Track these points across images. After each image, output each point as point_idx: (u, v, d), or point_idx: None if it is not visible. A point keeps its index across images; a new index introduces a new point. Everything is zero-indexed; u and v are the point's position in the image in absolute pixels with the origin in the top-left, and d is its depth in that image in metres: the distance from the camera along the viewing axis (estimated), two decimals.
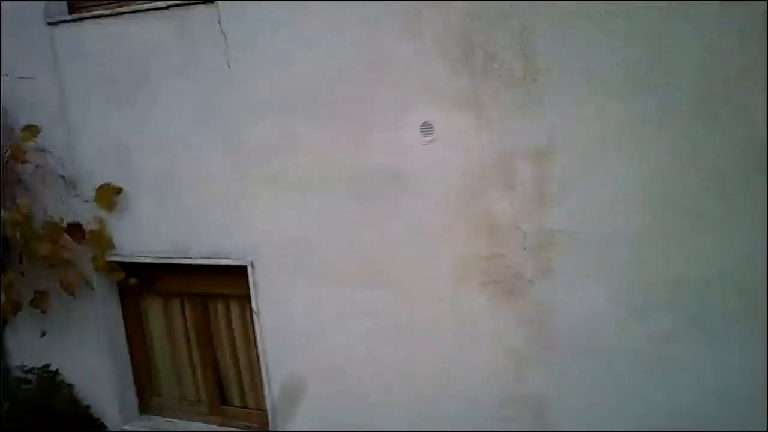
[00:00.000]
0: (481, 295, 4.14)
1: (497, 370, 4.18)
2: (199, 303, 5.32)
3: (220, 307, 5.26)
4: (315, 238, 4.55)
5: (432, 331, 4.32)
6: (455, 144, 4.03)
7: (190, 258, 4.99)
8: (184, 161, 4.85)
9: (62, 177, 5.18)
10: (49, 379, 5.61)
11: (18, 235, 4.96)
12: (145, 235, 5.10)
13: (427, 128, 4.07)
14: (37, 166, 5.17)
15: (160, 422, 5.54)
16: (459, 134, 4.01)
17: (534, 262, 3.97)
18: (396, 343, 4.44)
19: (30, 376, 5.62)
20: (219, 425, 5.36)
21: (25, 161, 5.06)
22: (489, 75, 3.88)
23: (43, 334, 5.48)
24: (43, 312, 5.28)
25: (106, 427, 5.60)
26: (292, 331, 4.76)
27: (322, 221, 4.51)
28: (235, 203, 4.75)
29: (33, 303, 5.23)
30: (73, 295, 5.20)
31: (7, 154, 5.07)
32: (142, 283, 5.29)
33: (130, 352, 5.60)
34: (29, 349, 5.72)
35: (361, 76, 4.19)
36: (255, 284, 4.80)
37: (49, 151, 5.13)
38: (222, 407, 5.42)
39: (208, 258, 4.92)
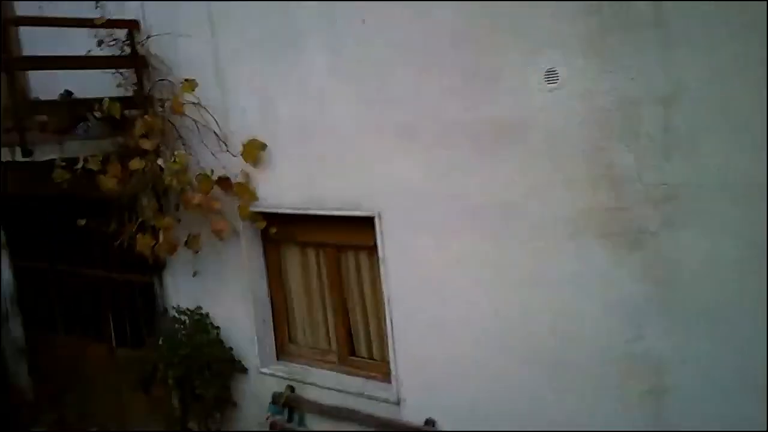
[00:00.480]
0: (601, 248, 4.04)
1: (616, 326, 4.06)
2: (332, 253, 5.58)
3: (351, 257, 5.50)
4: (439, 189, 4.64)
5: (551, 284, 4.27)
6: (579, 91, 3.95)
7: (324, 209, 5.27)
8: (322, 117, 5.12)
9: (215, 133, 5.66)
10: (200, 320, 6.15)
11: (175, 184, 5.47)
12: (285, 187, 5.44)
13: (551, 75, 4.04)
14: (195, 122, 5.68)
15: (295, 368, 5.87)
16: (584, 81, 3.94)
17: (657, 216, 3.81)
18: (516, 294, 4.44)
19: (183, 317, 6.19)
20: (347, 374, 5.60)
21: (183, 114, 5.58)
22: (617, 20, 3.78)
23: (195, 273, 6.03)
24: (195, 252, 5.79)
25: (247, 368, 6.05)
26: (416, 280, 4.89)
27: (445, 173, 4.59)
28: (366, 156, 4.95)
29: (187, 243, 5.75)
30: (221, 239, 5.67)
31: (167, 105, 5.62)
32: (282, 233, 5.64)
33: (270, 300, 5.99)
34: (183, 292, 6.30)
35: (488, 26, 4.24)
36: (381, 234, 4.98)
37: (205, 107, 5.62)
38: (350, 357, 5.67)
39: (340, 209, 5.17)
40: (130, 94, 5.91)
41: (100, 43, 5.78)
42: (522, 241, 4.35)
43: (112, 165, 5.42)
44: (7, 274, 7.98)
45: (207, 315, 6.15)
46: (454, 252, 4.68)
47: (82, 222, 5.65)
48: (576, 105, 3.99)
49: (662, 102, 3.72)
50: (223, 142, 5.62)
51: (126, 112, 5.72)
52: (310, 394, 5.64)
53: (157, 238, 5.67)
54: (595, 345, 4.17)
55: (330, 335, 5.77)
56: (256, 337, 5.92)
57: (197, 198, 5.55)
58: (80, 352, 7.44)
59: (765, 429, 3.58)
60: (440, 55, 4.47)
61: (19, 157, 5.40)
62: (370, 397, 5.28)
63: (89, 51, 5.74)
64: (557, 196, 4.16)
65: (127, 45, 5.87)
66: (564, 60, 3.98)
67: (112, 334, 7.12)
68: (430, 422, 4.97)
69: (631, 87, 3.80)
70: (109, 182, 5.38)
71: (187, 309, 6.18)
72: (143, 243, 5.65)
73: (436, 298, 4.82)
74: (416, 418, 5.04)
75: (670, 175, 3.75)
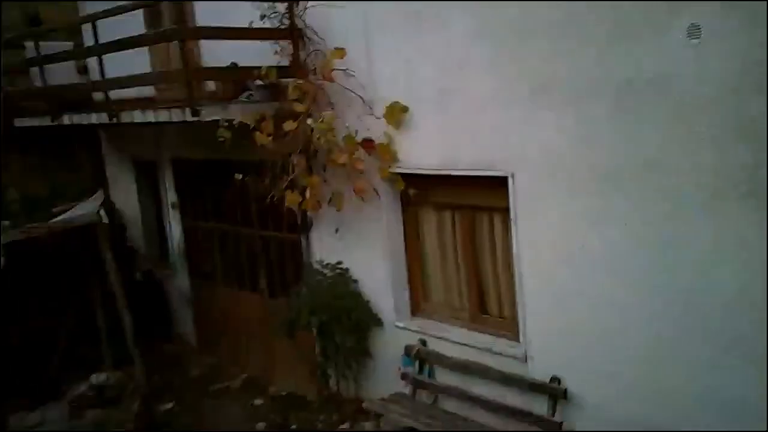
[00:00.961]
0: (742, 205, 3.95)
1: (754, 287, 3.96)
2: (467, 215, 5.77)
3: (485, 219, 5.66)
4: (575, 149, 4.69)
5: (688, 241, 4.23)
6: (723, 47, 3.87)
7: (459, 169, 5.46)
8: (460, 81, 5.30)
9: (360, 97, 6.00)
10: (340, 274, 6.55)
11: (323, 142, 5.87)
12: (423, 149, 5.68)
13: (694, 30, 3.97)
14: (343, 87, 6.06)
15: (428, 324, 6.13)
16: (727, 36, 3.85)
17: None
18: (652, 255, 4.42)
19: (326, 270, 6.63)
20: (477, 332, 5.79)
21: (332, 80, 5.97)
22: None
23: (337, 230, 6.45)
24: (338, 210, 6.19)
25: (382, 322, 6.38)
26: (547, 241, 4.97)
27: (582, 133, 4.63)
28: (502, 118, 5.07)
29: (330, 201, 6.16)
30: (362, 199, 6.03)
31: (319, 72, 6.03)
32: (419, 194, 5.88)
33: (407, 258, 6.28)
34: (326, 248, 6.73)
35: None
36: (514, 194, 5.10)
37: (352, 73, 5.97)
38: (481, 315, 5.84)
39: (475, 169, 5.34)
40: (286, 63, 6.38)
41: (262, 17, 6.28)
42: (660, 201, 4.32)
43: (266, 122, 5.90)
44: (178, 232, 8.85)
45: (347, 270, 6.54)
46: (587, 212, 4.72)
47: (239, 177, 6.20)
48: (719, 60, 3.91)
49: None
50: (368, 105, 5.95)
51: (282, 80, 6.21)
52: (441, 348, 5.87)
53: (304, 196, 6.11)
54: (731, 303, 4.08)
55: (462, 294, 5.96)
56: (392, 293, 6.23)
57: (342, 158, 5.92)
58: (235, 302, 8.14)
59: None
60: (578, 16, 4.51)
61: (189, 117, 6.02)
62: (498, 354, 5.44)
63: (251, 23, 6.26)
64: (697, 153, 4.10)
65: (287, 17, 6.33)
66: (707, 14, 3.90)
67: (264, 285, 7.72)
68: (555, 379, 5.05)
69: None
70: (263, 138, 5.86)
71: (329, 263, 6.60)
72: (291, 199, 6.11)
73: (567, 259, 4.88)
74: (542, 376, 5.13)
75: None
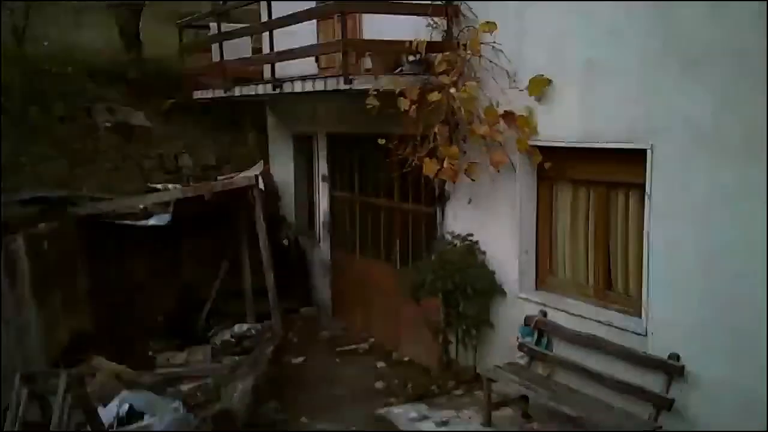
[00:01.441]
0: None
1: None
2: (602, 192, 5.77)
3: (620, 196, 5.63)
4: (718, 121, 4.62)
5: None
6: None
7: (597, 142, 5.50)
8: (606, 54, 5.36)
9: (506, 71, 6.19)
10: (469, 245, 6.74)
11: (463, 112, 6.11)
12: (563, 121, 5.76)
13: None
14: (489, 61, 6.28)
15: (551, 297, 6.17)
16: None
17: None
18: None
19: (456, 241, 6.84)
20: (599, 306, 5.76)
21: (479, 54, 6.20)
22: None
23: (470, 201, 6.65)
24: (472, 180, 6.39)
25: (506, 293, 6.49)
26: (680, 217, 4.92)
27: (727, 105, 4.56)
28: (646, 91, 5.08)
29: (467, 171, 6.37)
30: (497, 171, 6.19)
31: (467, 46, 6.29)
32: (555, 168, 5.97)
33: (537, 232, 6.35)
34: (459, 221, 6.94)
35: None
36: (651, 167, 5.07)
37: (499, 46, 6.18)
38: (606, 291, 5.80)
39: (615, 142, 5.35)
40: (438, 39, 6.70)
41: None
42: None
43: (410, 89, 6.22)
44: (326, 204, 9.42)
45: (476, 242, 6.72)
46: (725, 186, 4.63)
47: (382, 141, 6.57)
48: None
49: None
50: (512, 78, 6.12)
51: (432, 54, 6.53)
52: (561, 321, 5.89)
53: (442, 165, 6.36)
54: None
55: (588, 270, 5.96)
56: (518, 266, 6.33)
57: (483, 129, 6.12)
58: (370, 271, 8.54)
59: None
60: None
61: (341, 85, 6.48)
62: (617, 328, 5.40)
63: None
64: None
65: None
66: None
67: (397, 256, 8.05)
68: (674, 356, 4.94)
69: None
70: (405, 103, 6.18)
71: (459, 234, 6.81)
72: (429, 167, 6.39)
73: (699, 235, 4.79)
74: (661, 352, 5.04)
75: None
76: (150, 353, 8.39)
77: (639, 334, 5.22)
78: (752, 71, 4.38)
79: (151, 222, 8.34)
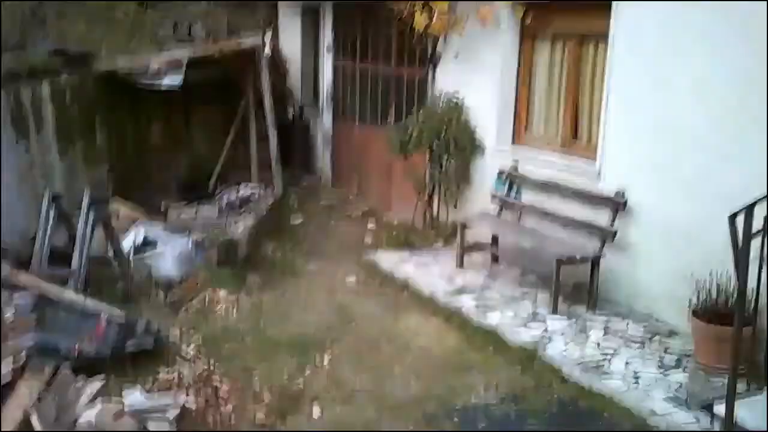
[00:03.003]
0: None
1: None
2: (575, 46, 6.08)
3: (590, 49, 5.96)
4: None
5: None
6: None
7: None
8: None
9: None
10: (456, 103, 7.11)
11: None
12: None
13: None
14: None
15: (524, 150, 6.59)
16: None
17: None
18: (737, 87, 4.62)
19: (443, 98, 7.21)
20: (564, 154, 6.18)
21: None
22: None
23: (456, 55, 7.02)
24: (459, 35, 6.75)
25: (485, 149, 6.92)
26: (637, 68, 5.26)
27: None
28: None
29: (452, 27, 6.71)
30: (484, 26, 6.48)
31: None
32: (536, 23, 6.29)
33: (516, 89, 6.69)
34: (449, 82, 7.28)
35: None
36: (615, 18, 5.40)
37: None
38: (572, 140, 6.21)
39: None
40: None
41: None
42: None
43: None
44: (329, 75, 9.75)
45: (461, 99, 7.10)
46: (682, 40, 4.93)
47: None
48: None
49: None
50: None
51: None
52: (530, 171, 6.34)
53: (431, 19, 6.69)
54: None
55: (559, 123, 6.34)
56: (496, 121, 6.74)
57: None
58: (367, 139, 8.97)
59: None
60: None
61: None
62: (576, 174, 5.84)
63: None
64: None
65: None
66: None
67: (392, 120, 8.44)
68: (619, 194, 5.40)
69: None
70: None
71: (447, 92, 7.20)
72: (419, 21, 6.72)
73: (654, 88, 5.15)
74: (609, 191, 5.51)
75: None
76: (161, 209, 9.04)
77: (592, 176, 5.68)
78: None
79: (165, 82, 8.74)
